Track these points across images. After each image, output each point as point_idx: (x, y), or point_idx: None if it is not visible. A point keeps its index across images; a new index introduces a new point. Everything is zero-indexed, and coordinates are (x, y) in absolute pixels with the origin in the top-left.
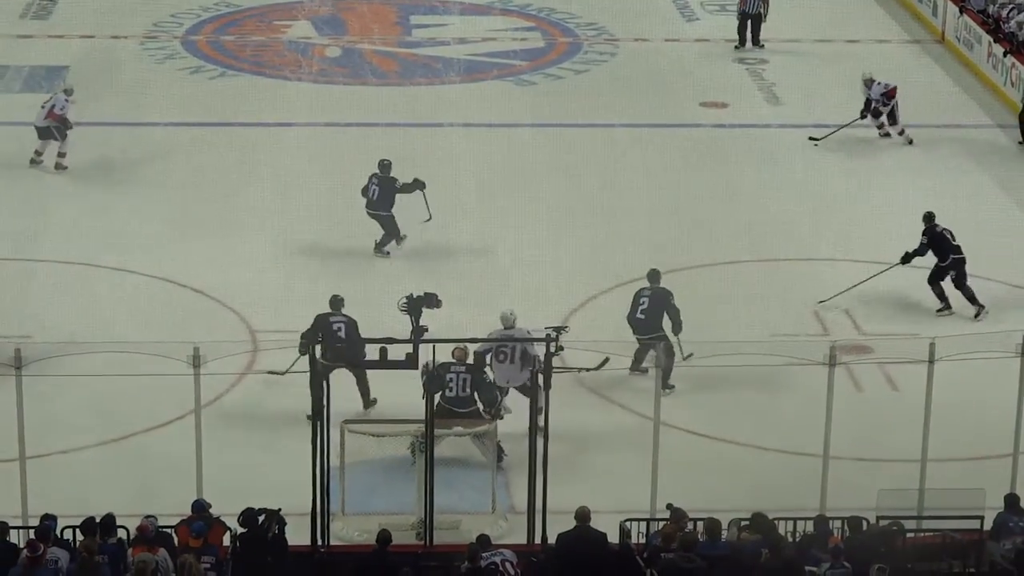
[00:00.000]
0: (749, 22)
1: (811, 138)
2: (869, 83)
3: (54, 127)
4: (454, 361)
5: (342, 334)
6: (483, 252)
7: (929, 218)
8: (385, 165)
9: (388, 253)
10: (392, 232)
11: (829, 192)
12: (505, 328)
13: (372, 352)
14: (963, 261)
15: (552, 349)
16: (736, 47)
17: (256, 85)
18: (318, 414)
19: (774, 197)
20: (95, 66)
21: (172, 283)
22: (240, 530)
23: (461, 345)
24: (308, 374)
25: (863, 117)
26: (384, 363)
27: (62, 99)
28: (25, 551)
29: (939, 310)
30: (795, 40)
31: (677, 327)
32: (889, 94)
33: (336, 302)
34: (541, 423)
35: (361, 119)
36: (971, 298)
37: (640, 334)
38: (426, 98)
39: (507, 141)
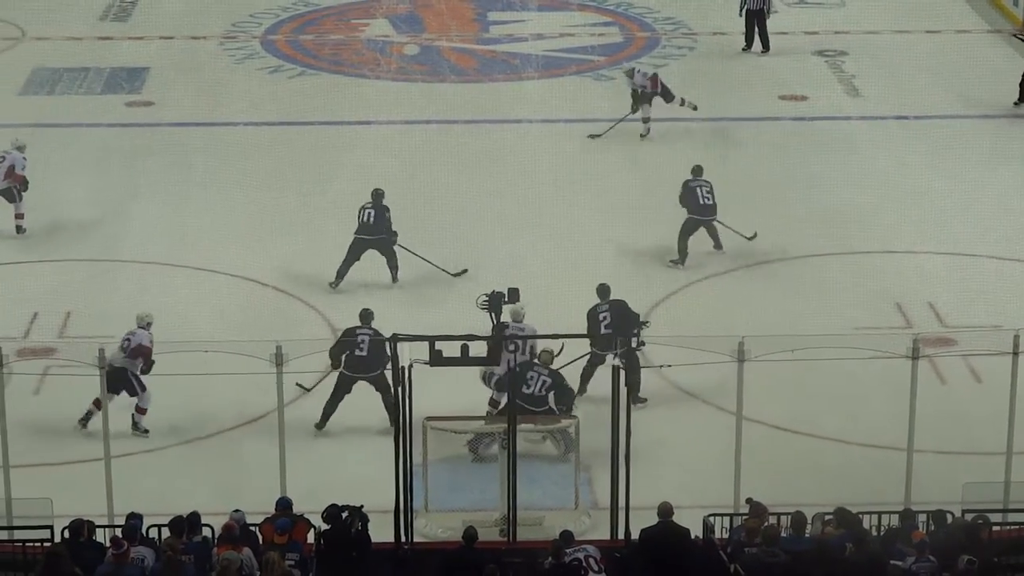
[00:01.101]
0: (755, 21)
1: (591, 135)
2: (631, 73)
3: (15, 188)
4: (538, 363)
5: (364, 347)
6: (562, 247)
7: (694, 171)
8: (378, 194)
9: (397, 280)
10: (391, 256)
11: (911, 184)
12: (514, 322)
13: (453, 349)
14: (699, 222)
15: (634, 345)
16: (743, 49)
17: (335, 84)
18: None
19: (855, 189)
20: (175, 67)
21: (253, 282)
22: (324, 527)
23: (548, 349)
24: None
25: (635, 112)
26: (465, 360)
27: (20, 158)
28: (110, 549)
29: (672, 261)
30: (874, 32)
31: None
32: (652, 80)
33: (365, 315)
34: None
35: (439, 116)
36: (682, 251)
37: (608, 350)
38: (504, 94)
39: (586, 136)
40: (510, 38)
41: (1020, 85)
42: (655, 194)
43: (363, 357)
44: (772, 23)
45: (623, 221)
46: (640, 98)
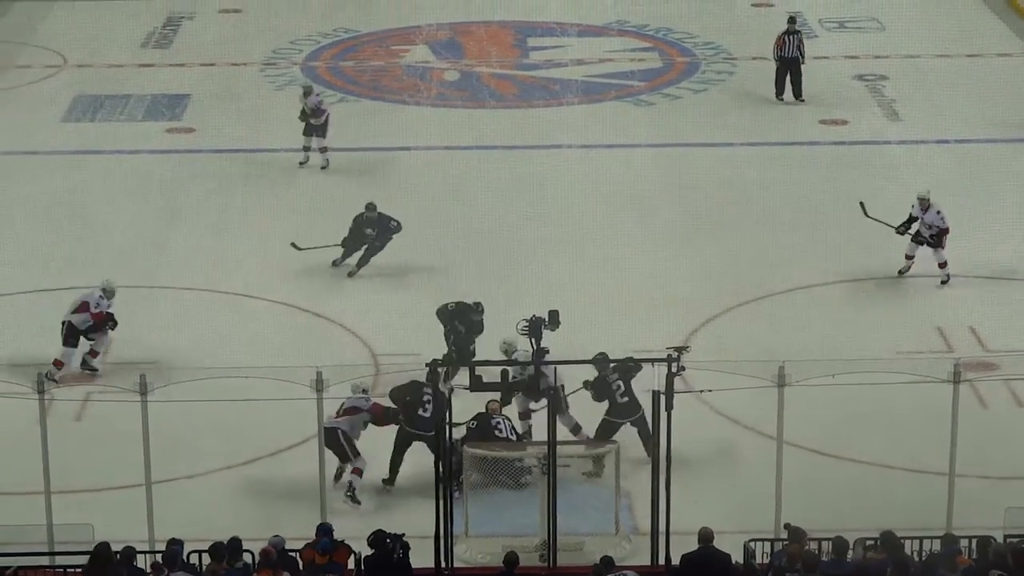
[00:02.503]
0: (790, 69)
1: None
2: (309, 90)
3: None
4: (491, 413)
5: (429, 407)
6: (604, 273)
7: (368, 206)
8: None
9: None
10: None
11: (953, 207)
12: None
13: (494, 374)
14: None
15: (674, 370)
16: (776, 98)
17: (375, 110)
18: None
19: (896, 213)
20: (215, 93)
21: (293, 307)
22: (367, 552)
23: (495, 398)
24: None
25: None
26: (505, 385)
27: (97, 297)
28: (151, 574)
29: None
30: (915, 56)
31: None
32: (323, 114)
33: (433, 374)
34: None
35: (480, 142)
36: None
37: (627, 417)
38: (544, 120)
39: (626, 162)
40: (550, 64)
41: None
42: (695, 219)
43: (425, 418)
44: (812, 47)
45: (663, 246)
46: (307, 126)
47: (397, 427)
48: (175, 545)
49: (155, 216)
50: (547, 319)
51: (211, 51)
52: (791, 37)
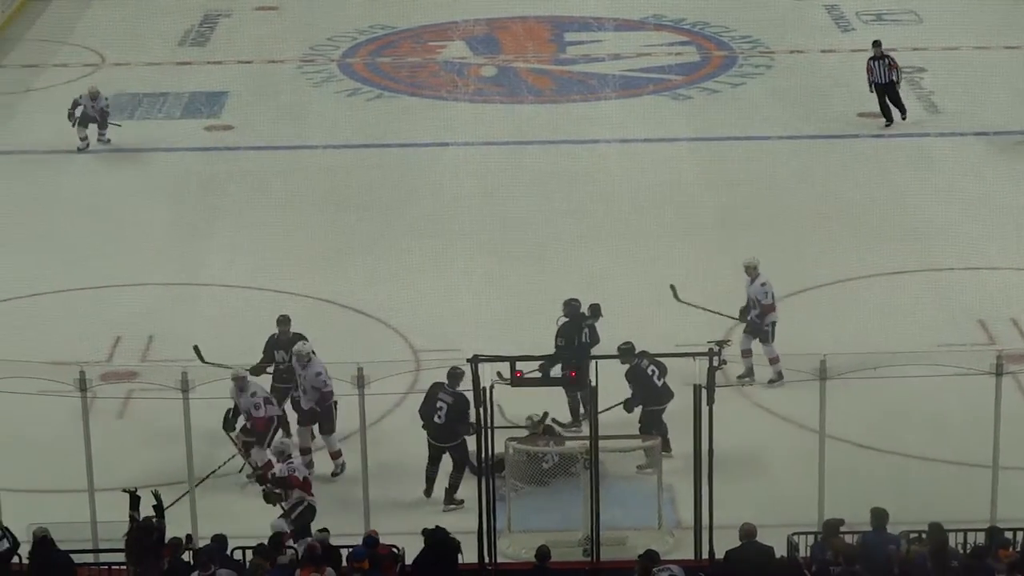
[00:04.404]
0: (887, 94)
1: None
2: (95, 95)
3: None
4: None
5: (443, 414)
6: (642, 267)
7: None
8: (455, 375)
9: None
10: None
11: (993, 199)
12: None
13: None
14: None
15: (715, 364)
16: (885, 125)
17: (412, 106)
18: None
19: (936, 205)
20: (253, 90)
21: (334, 304)
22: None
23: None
24: None
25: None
26: (547, 380)
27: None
28: (196, 571)
29: None
30: (953, 48)
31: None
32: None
33: (453, 375)
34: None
35: (517, 137)
36: None
37: (667, 403)
38: (581, 115)
39: (664, 156)
40: (587, 58)
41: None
42: (733, 212)
43: (440, 425)
44: (849, 40)
45: (701, 240)
46: (82, 119)
47: None
48: (216, 542)
49: (194, 214)
50: (588, 312)
51: (248, 48)
52: (877, 63)
